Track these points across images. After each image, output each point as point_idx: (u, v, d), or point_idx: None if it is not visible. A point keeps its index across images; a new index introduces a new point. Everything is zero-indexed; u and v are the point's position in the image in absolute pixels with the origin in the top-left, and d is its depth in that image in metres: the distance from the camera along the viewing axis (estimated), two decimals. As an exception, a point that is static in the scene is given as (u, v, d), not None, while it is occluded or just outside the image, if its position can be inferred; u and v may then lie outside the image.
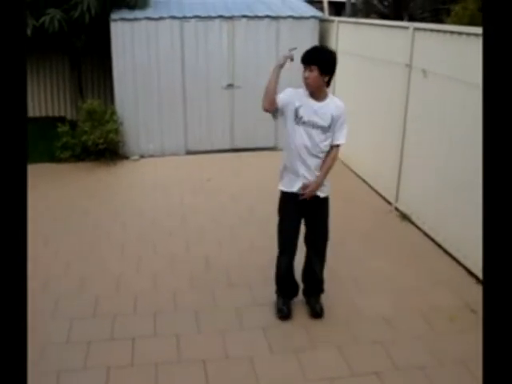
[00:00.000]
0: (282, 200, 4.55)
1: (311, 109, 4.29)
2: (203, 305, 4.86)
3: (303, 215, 4.53)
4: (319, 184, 4.39)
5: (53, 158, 8.98)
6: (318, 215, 4.54)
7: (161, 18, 9.07)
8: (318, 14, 9.82)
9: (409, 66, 6.60)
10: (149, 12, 9.19)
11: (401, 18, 12.97)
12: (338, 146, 4.43)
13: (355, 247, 6.04)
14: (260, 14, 9.39)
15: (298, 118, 4.29)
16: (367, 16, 14.01)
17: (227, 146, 9.76)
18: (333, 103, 4.39)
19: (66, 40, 9.33)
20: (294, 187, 4.41)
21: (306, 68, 4.31)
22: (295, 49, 4.25)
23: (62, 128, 9.09)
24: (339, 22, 9.27)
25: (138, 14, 9.06)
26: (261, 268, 5.51)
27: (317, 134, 4.31)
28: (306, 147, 4.32)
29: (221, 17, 9.25)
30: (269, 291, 5.00)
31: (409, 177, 6.77)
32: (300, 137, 4.31)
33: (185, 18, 9.15)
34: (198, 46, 9.28)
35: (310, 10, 9.85)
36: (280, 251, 4.64)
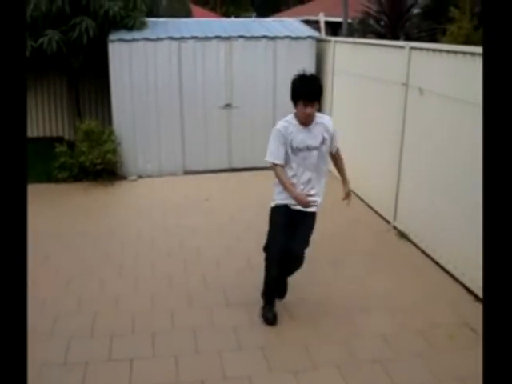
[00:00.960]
0: (275, 212, 4.72)
1: (302, 135, 4.50)
2: (201, 325, 4.84)
3: (290, 226, 4.65)
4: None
5: (50, 179, 8.98)
6: (304, 225, 4.69)
7: (158, 39, 9.14)
8: (315, 34, 9.90)
9: (405, 84, 6.64)
10: (146, 33, 9.26)
11: (397, 38, 13.05)
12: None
13: (355, 266, 6.03)
14: (257, 35, 9.47)
15: (293, 149, 4.50)
16: (364, 36, 14.07)
17: (225, 166, 9.77)
18: (321, 122, 4.58)
19: (64, 61, 9.39)
20: (290, 200, 4.57)
21: (308, 104, 4.38)
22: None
23: (60, 148, 9.10)
24: (336, 41, 9.34)
25: (135, 34, 9.13)
26: (258, 287, 5.48)
27: (313, 155, 4.55)
28: (307, 168, 4.57)
29: (218, 37, 9.32)
30: (267, 310, 5.01)
31: (406, 195, 6.78)
32: (300, 161, 4.54)
33: (182, 38, 9.21)
34: (196, 67, 9.33)
35: (307, 30, 9.93)
36: (271, 261, 4.78)
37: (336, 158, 4.90)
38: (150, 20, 9.78)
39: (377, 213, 7.59)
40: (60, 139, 10.50)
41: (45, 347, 4.47)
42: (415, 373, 4.17)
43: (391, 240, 6.76)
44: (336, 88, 9.24)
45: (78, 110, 10.97)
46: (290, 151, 4.51)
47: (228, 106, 9.56)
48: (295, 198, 4.43)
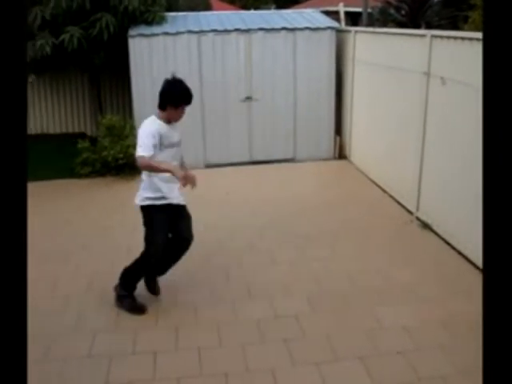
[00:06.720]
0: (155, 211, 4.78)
1: (169, 133, 4.79)
2: (224, 318, 4.85)
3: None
4: None
5: (73, 174, 9.07)
6: (186, 215, 5.01)
7: (178, 33, 9.16)
8: (335, 24, 9.83)
9: (427, 73, 6.57)
10: (166, 27, 9.28)
11: (418, 26, 12.92)
12: None
13: (377, 258, 5.99)
14: (276, 27, 9.43)
15: (162, 146, 4.68)
16: (384, 25, 13.96)
17: (246, 159, 9.78)
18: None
19: (85, 57, 9.45)
20: (171, 199, 4.78)
21: (184, 107, 4.86)
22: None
23: (82, 144, 9.19)
24: (356, 31, 9.27)
25: (155, 29, 9.16)
26: (280, 280, 5.51)
27: (177, 151, 4.96)
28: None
29: (238, 30, 9.31)
30: (289, 303, 5.01)
31: (429, 185, 6.72)
32: (169, 158, 4.74)
33: (202, 31, 9.22)
34: (216, 60, 9.34)
35: (327, 21, 9.87)
36: (154, 255, 4.83)
37: None
38: (170, 14, 9.81)
39: (399, 203, 7.53)
40: (82, 135, 10.61)
41: (69, 342, 4.53)
42: (438, 364, 4.14)
43: (414, 231, 6.71)
44: (357, 78, 9.18)
45: (99, 106, 11.05)
46: (159, 148, 4.66)
47: (248, 98, 9.55)
48: (183, 178, 4.46)
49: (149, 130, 4.62)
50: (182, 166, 5.12)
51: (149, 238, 4.81)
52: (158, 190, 4.72)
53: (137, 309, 4.95)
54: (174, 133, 4.80)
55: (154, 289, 5.20)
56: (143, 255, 4.87)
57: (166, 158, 4.66)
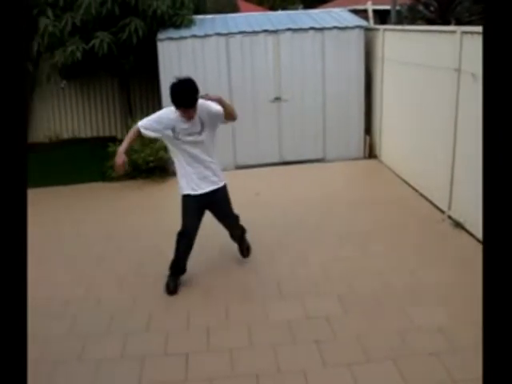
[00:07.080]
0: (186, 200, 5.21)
1: (184, 124, 4.89)
2: (255, 318, 4.85)
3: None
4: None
5: (104, 178, 9.18)
6: (219, 204, 5.46)
7: (206, 36, 9.20)
8: (363, 23, 9.76)
9: (458, 70, 6.48)
10: (194, 30, 9.33)
11: (448, 23, 12.74)
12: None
13: (407, 257, 5.93)
14: (304, 26, 9.41)
15: (179, 134, 4.94)
16: (413, 23, 13.81)
17: (276, 160, 9.77)
18: (199, 111, 4.86)
19: (115, 62, 9.56)
20: (199, 190, 5.13)
21: (186, 110, 4.77)
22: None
23: (113, 148, 9.26)
24: (385, 30, 9.19)
25: (183, 32, 9.22)
26: (311, 280, 5.49)
27: (195, 139, 4.97)
28: (193, 155, 5.06)
29: (266, 31, 9.32)
30: (320, 303, 4.99)
31: (462, 183, 6.62)
32: (186, 148, 5.02)
33: (230, 33, 9.25)
34: (244, 61, 9.36)
35: (355, 20, 9.80)
36: (184, 241, 5.30)
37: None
38: (198, 17, 9.87)
39: (430, 202, 7.44)
40: (113, 139, 10.70)
41: (102, 343, 4.58)
42: (472, 366, 4.06)
43: (445, 230, 6.62)
44: (386, 77, 9.11)
45: (129, 110, 11.16)
46: (173, 139, 4.99)
47: (277, 99, 9.54)
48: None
49: (162, 114, 5.04)
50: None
51: (182, 223, 5.23)
52: (189, 181, 5.13)
53: (167, 288, 5.36)
54: (190, 124, 4.89)
55: (243, 251, 5.88)
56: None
57: (187, 145, 5.00)
